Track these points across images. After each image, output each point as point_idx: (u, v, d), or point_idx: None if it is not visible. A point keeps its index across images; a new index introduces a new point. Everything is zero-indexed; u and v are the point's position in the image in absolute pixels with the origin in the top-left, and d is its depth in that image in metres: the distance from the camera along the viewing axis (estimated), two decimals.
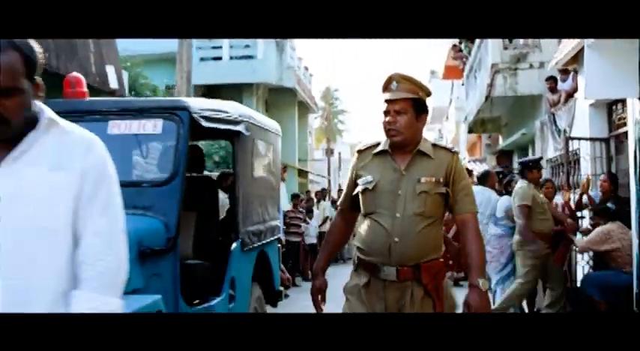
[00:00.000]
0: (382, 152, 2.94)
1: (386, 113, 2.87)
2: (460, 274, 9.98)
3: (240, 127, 4.37)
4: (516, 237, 6.46)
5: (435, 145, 2.96)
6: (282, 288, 5.88)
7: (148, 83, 15.65)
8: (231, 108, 4.39)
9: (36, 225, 1.78)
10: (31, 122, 1.85)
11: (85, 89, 3.92)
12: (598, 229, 6.00)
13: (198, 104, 3.88)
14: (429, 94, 2.98)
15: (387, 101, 2.87)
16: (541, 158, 7.67)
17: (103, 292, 1.85)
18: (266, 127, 5.27)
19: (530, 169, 6.51)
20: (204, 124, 3.79)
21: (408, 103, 2.85)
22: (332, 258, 3.27)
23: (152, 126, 3.61)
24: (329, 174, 32.50)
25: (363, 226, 2.95)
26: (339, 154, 37.46)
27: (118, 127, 3.67)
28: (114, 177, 1.94)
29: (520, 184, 6.46)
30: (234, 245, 4.28)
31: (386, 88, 2.91)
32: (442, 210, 2.91)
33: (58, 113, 3.20)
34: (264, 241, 5.04)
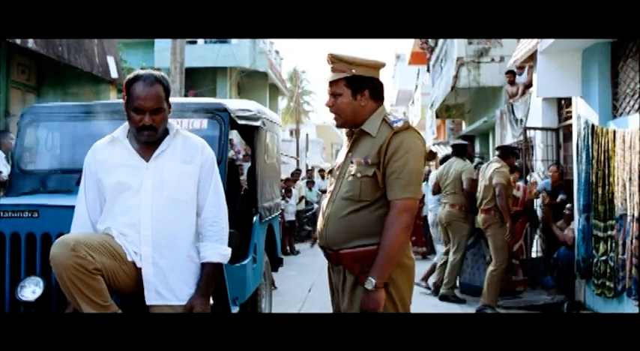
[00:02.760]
0: (347, 135, 2.88)
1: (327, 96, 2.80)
2: (423, 248, 11.23)
3: (259, 122, 5.34)
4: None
5: (384, 121, 2.72)
6: (281, 256, 6.90)
7: (127, 67, 16.38)
8: (252, 106, 5.36)
9: (175, 198, 2.80)
10: (165, 131, 2.85)
11: None
12: None
13: (233, 105, 4.83)
14: (372, 66, 2.77)
15: (327, 84, 2.79)
16: (517, 147, 8.69)
17: (221, 243, 2.88)
18: (273, 120, 6.25)
19: (512, 154, 7.51)
20: (239, 121, 4.78)
21: (342, 83, 2.72)
22: None
23: (199, 124, 4.57)
24: (297, 155, 33.21)
25: None
26: (307, 135, 38.10)
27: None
28: (216, 167, 2.96)
29: (499, 165, 7.20)
30: (255, 218, 5.28)
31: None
32: (379, 193, 2.64)
33: (120, 112, 4.31)
34: (272, 216, 6.05)
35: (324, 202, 2.84)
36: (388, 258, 2.56)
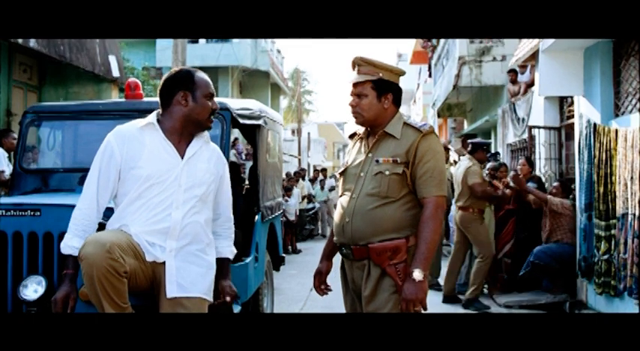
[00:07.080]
0: (361, 136, 3.04)
1: (351, 96, 2.95)
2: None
3: (260, 121, 5.35)
4: (464, 214, 7.22)
5: (407, 125, 2.89)
6: (283, 255, 6.91)
7: (129, 66, 16.39)
8: (254, 105, 5.36)
9: (203, 198, 2.85)
10: None
11: (142, 92, 4.87)
12: (565, 201, 7.12)
13: (235, 104, 4.84)
14: (396, 72, 2.96)
15: (352, 85, 2.93)
16: (490, 143, 8.56)
17: (231, 241, 3.06)
18: (274, 119, 6.26)
19: (481, 149, 7.43)
20: (241, 120, 4.79)
21: (368, 85, 2.87)
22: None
23: None
24: (299, 154, 33.22)
25: None
26: (308, 134, 38.10)
27: None
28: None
29: (470, 164, 7.22)
30: (257, 217, 5.28)
31: (352, 70, 2.96)
32: (405, 190, 2.82)
33: (123, 112, 4.37)
34: (274, 215, 6.06)
35: (343, 199, 2.94)
36: (430, 250, 2.73)
